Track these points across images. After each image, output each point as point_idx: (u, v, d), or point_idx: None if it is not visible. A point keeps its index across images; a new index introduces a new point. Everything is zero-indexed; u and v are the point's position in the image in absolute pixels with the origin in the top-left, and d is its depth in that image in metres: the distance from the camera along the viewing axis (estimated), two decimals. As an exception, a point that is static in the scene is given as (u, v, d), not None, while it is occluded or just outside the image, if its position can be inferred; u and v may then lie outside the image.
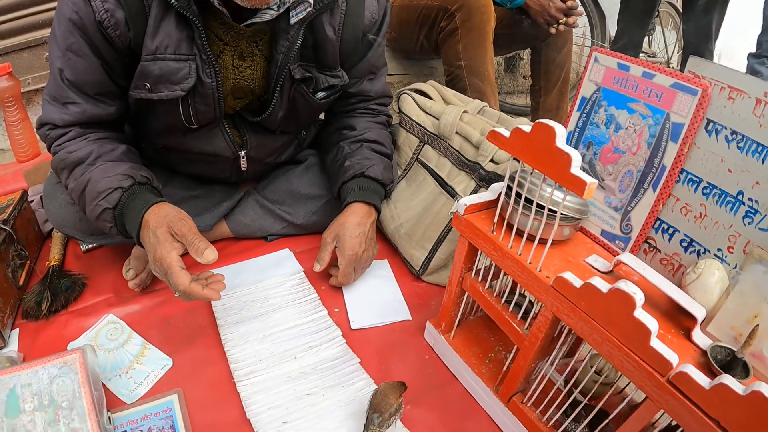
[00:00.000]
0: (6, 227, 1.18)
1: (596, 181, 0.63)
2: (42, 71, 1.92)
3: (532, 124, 0.68)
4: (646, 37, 3.24)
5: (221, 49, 1.02)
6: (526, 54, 2.87)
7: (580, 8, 1.94)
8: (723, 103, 0.68)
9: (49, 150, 1.05)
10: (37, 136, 1.61)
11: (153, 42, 0.94)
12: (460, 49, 1.71)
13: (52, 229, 1.39)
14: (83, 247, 1.33)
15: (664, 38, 3.45)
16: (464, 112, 1.23)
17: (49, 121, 1.02)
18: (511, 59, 2.95)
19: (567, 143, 0.81)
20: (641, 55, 2.90)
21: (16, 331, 1.11)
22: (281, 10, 0.97)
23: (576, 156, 0.63)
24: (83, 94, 0.99)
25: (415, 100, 1.34)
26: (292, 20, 0.99)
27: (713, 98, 0.69)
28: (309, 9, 0.99)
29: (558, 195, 0.73)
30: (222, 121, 1.11)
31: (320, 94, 1.13)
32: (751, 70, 1.98)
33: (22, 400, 0.86)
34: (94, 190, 0.98)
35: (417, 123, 1.32)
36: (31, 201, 1.40)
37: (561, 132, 0.65)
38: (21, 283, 1.20)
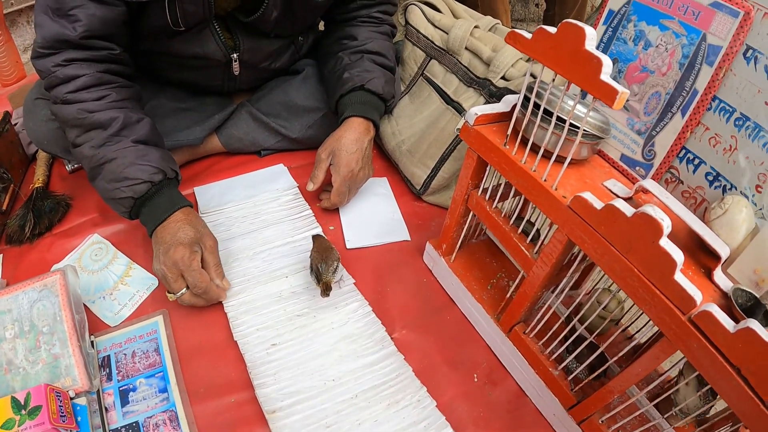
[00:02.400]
0: (-13, 150, 1.10)
1: (627, 90, 0.55)
2: (25, -9, 1.79)
3: (561, 23, 0.59)
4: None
5: None
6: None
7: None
8: (766, 29, 0.60)
9: (50, 88, 0.92)
10: (24, 60, 1.52)
11: None
12: None
13: (36, 151, 1.31)
14: (68, 167, 1.25)
15: None
16: (475, 27, 1.12)
17: (60, 37, 0.88)
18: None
19: None
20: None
21: (0, 257, 1.05)
22: None
23: (607, 61, 0.55)
24: None
25: (423, 12, 1.23)
26: None
27: (755, 23, 0.60)
28: None
29: (581, 109, 0.65)
30: (212, 23, 1.01)
31: None
32: None
33: (2, 327, 0.83)
34: (118, 173, 0.91)
35: (424, 36, 1.21)
36: (15, 123, 1.32)
37: (591, 34, 0.56)
38: (4, 207, 1.13)
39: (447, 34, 1.16)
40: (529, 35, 0.64)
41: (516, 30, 0.66)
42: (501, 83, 1.03)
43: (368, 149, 1.12)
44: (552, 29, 0.61)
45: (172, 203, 0.94)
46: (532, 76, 0.79)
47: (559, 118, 0.65)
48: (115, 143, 0.92)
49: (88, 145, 0.92)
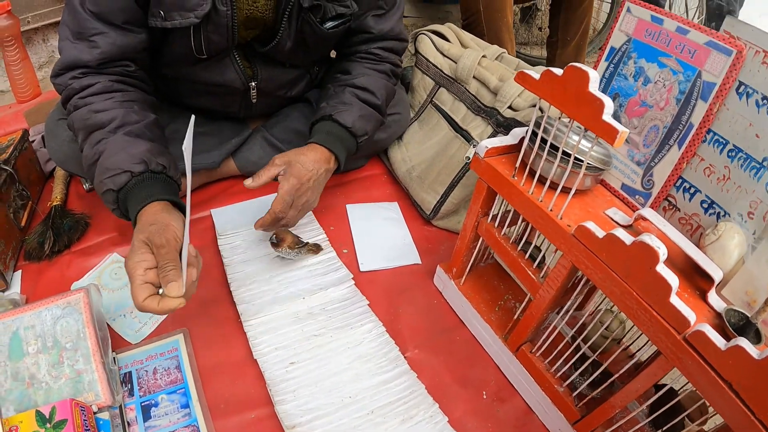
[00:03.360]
0: (7, 167, 1.17)
1: (627, 130, 0.63)
2: (42, 9, 1.87)
3: (566, 66, 0.67)
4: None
5: None
6: (543, 5, 2.81)
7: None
8: (757, 67, 0.67)
9: (65, 103, 0.98)
10: (39, 77, 1.58)
11: None
12: None
13: (54, 169, 1.38)
14: (86, 186, 1.32)
15: (686, 2, 3.39)
16: (483, 56, 1.21)
17: (77, 62, 0.94)
18: (528, 9, 2.90)
19: None
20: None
21: (19, 273, 1.11)
22: None
23: (609, 103, 0.63)
24: (110, 24, 0.94)
25: (432, 42, 1.31)
26: None
27: (747, 61, 0.68)
28: None
29: (585, 143, 0.73)
30: (233, 52, 1.09)
31: (328, 24, 1.08)
32: None
33: (25, 343, 0.87)
34: (103, 165, 0.91)
35: (433, 65, 1.30)
36: (32, 141, 1.39)
37: (594, 77, 0.64)
38: (23, 224, 1.20)
39: (455, 63, 1.24)
40: (537, 75, 0.72)
41: (525, 71, 0.74)
42: (508, 113, 1.11)
43: (322, 177, 1.10)
44: (558, 71, 0.69)
45: (145, 196, 0.88)
46: (540, 110, 0.87)
47: (564, 152, 0.73)
48: (107, 141, 0.92)
49: (87, 144, 0.94)
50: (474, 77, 1.20)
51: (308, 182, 1.06)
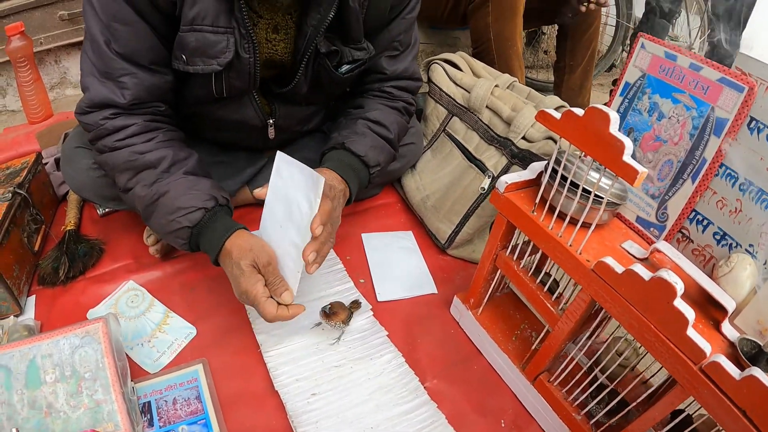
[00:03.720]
0: (21, 191, 1.21)
1: (647, 170, 0.68)
2: (55, 30, 1.93)
3: (586, 108, 0.73)
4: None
5: (256, 21, 1.03)
6: (547, 28, 2.90)
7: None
8: None
9: (96, 142, 1.02)
10: (51, 98, 1.63)
11: (191, 11, 0.94)
12: (490, 22, 1.74)
13: (67, 192, 1.43)
14: (100, 211, 1.37)
15: (688, 23, 3.48)
16: (495, 86, 1.27)
17: (106, 100, 0.98)
18: (533, 33, 2.99)
19: None
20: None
21: (33, 298, 1.16)
22: None
23: (629, 144, 0.69)
24: (138, 65, 0.98)
25: (445, 71, 1.38)
26: None
27: (758, 96, 0.74)
28: None
29: (606, 181, 0.78)
30: (252, 92, 1.13)
31: (344, 68, 1.13)
32: None
33: (42, 371, 0.90)
34: (172, 205, 0.99)
35: (446, 94, 1.37)
36: (45, 163, 1.44)
37: (615, 119, 0.70)
38: (36, 248, 1.24)
39: (468, 92, 1.31)
40: (558, 115, 0.78)
41: (545, 110, 0.79)
42: (522, 144, 1.17)
43: (340, 196, 1.10)
44: (579, 112, 0.74)
45: (226, 228, 0.99)
46: (553, 140, 0.93)
47: (584, 189, 0.79)
48: (166, 178, 1.01)
49: (140, 185, 1.01)
50: (487, 107, 1.27)
51: (335, 200, 1.07)
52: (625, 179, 0.69)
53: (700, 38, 3.46)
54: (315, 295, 1.17)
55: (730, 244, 0.80)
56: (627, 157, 0.69)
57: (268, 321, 0.94)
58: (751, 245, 0.77)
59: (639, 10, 2.73)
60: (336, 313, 1.04)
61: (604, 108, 0.71)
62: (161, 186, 1.00)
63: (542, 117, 0.81)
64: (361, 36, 1.11)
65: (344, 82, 1.18)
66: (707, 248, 0.84)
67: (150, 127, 1.03)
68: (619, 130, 0.89)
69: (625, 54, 2.87)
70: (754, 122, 0.75)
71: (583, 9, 1.88)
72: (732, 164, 0.78)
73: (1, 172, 1.30)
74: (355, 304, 1.13)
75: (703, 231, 0.84)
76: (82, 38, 1.95)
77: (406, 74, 1.26)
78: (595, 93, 2.66)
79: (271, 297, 0.95)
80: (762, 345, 0.68)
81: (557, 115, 0.78)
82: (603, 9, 2.00)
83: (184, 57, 0.99)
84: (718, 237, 0.82)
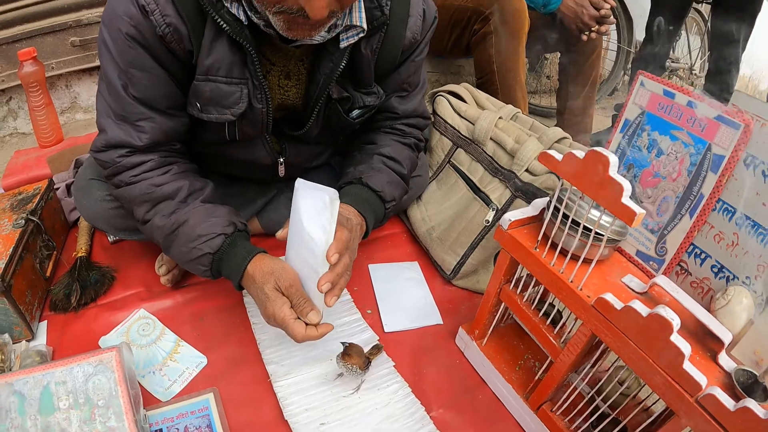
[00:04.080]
0: (34, 218, 1.26)
1: (644, 211, 0.73)
2: (66, 56, 2.01)
3: (587, 150, 0.78)
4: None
5: (268, 69, 1.08)
6: (550, 54, 2.98)
7: (612, 18, 2.03)
8: (764, 138, 0.78)
9: (112, 178, 1.07)
10: (61, 122, 1.68)
11: (206, 62, 0.99)
12: (493, 54, 1.80)
13: (77, 218, 1.49)
14: (110, 238, 1.43)
15: (689, 44, 3.56)
16: (499, 118, 1.33)
17: (124, 143, 1.03)
18: (536, 59, 3.08)
19: None
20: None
21: (44, 323, 1.20)
22: (333, 34, 1.01)
23: (627, 186, 0.73)
24: (155, 110, 1.02)
25: (450, 103, 1.44)
26: (342, 44, 1.03)
27: (754, 133, 0.78)
28: (362, 34, 1.03)
29: (606, 219, 0.82)
30: (264, 135, 1.18)
31: (355, 113, 1.18)
32: None
33: (56, 398, 0.94)
34: (192, 233, 1.04)
35: (451, 126, 1.42)
36: (57, 188, 1.50)
37: (614, 161, 0.75)
38: (48, 274, 1.29)
39: (473, 124, 1.36)
40: (560, 156, 0.83)
41: (547, 151, 0.84)
42: (526, 176, 1.22)
43: (357, 229, 1.12)
44: (580, 154, 0.79)
45: (246, 252, 1.04)
46: (556, 175, 0.97)
47: (585, 227, 0.83)
48: (184, 208, 1.05)
49: (159, 215, 1.05)
50: (491, 138, 1.32)
51: (352, 231, 1.09)
52: (624, 220, 0.73)
53: (701, 59, 3.54)
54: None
55: (728, 277, 0.84)
56: (626, 199, 0.73)
57: (297, 341, 0.97)
58: (747, 277, 0.82)
59: (640, 33, 2.80)
60: (350, 355, 1.05)
61: (604, 151, 0.75)
62: (180, 215, 1.05)
63: (544, 158, 0.86)
64: (372, 81, 1.16)
65: (353, 125, 1.22)
66: (705, 281, 0.88)
67: (165, 162, 1.08)
68: (620, 166, 0.95)
69: (627, 78, 2.93)
70: (750, 158, 0.80)
71: (585, 38, 1.95)
72: (729, 199, 0.83)
73: (13, 198, 1.35)
74: (376, 349, 1.14)
75: (701, 264, 0.88)
76: (92, 64, 2.05)
77: (416, 113, 1.32)
78: (597, 117, 2.71)
79: (299, 318, 0.98)
80: (758, 375, 0.72)
81: (559, 156, 0.83)
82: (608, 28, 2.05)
83: (198, 105, 1.04)
84: (715, 270, 0.86)
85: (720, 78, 2.53)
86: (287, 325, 0.97)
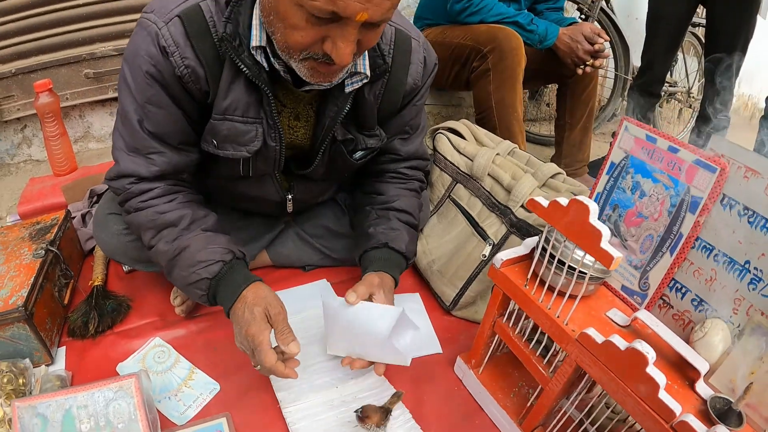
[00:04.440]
0: (53, 248, 1.36)
1: (621, 255, 0.81)
2: (80, 87, 2.12)
3: (570, 199, 0.87)
4: (669, 68, 3.46)
5: (280, 110, 1.17)
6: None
7: (608, 50, 2.13)
8: (739, 180, 0.85)
9: (123, 204, 1.16)
10: (75, 150, 1.76)
11: (223, 103, 1.07)
12: (491, 90, 1.91)
13: (92, 248, 1.58)
14: (125, 268, 1.52)
15: (686, 67, 3.65)
16: (496, 154, 1.42)
17: (133, 173, 1.11)
18: (535, 88, 3.18)
19: (596, 200, 1.02)
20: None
21: (63, 349, 1.29)
22: (338, 81, 1.08)
23: (606, 232, 0.82)
24: (167, 144, 1.11)
25: (449, 140, 1.54)
26: (347, 89, 1.11)
27: (730, 176, 0.86)
28: (365, 80, 1.12)
29: (589, 259, 0.91)
30: (275, 172, 1.27)
31: (358, 154, 1.27)
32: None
33: (78, 421, 1.02)
34: (192, 258, 1.11)
35: (451, 162, 1.52)
36: (72, 218, 1.59)
37: (594, 209, 0.84)
38: (66, 301, 1.38)
39: (471, 161, 1.45)
40: (546, 203, 0.92)
41: (534, 198, 0.93)
42: (521, 213, 1.31)
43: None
44: (564, 201, 0.88)
45: (244, 279, 1.11)
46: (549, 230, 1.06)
47: (570, 266, 0.92)
48: (186, 234, 1.12)
49: (162, 241, 1.13)
50: (488, 174, 1.41)
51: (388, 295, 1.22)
52: (602, 263, 0.82)
53: (699, 81, 3.63)
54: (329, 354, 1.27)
55: (707, 310, 0.91)
56: (604, 244, 0.82)
57: (265, 368, 1.03)
58: (725, 310, 0.89)
59: (637, 59, 2.88)
60: (369, 416, 1.10)
61: (585, 200, 0.84)
62: (182, 241, 1.12)
63: (532, 205, 0.95)
64: (375, 124, 1.25)
65: (358, 166, 1.31)
66: (686, 313, 0.95)
67: (171, 191, 1.16)
68: (606, 206, 1.04)
69: (625, 103, 3.02)
70: (726, 199, 0.87)
71: (580, 72, 2.05)
72: (707, 238, 0.91)
73: (31, 227, 1.45)
74: (396, 398, 1.16)
75: (681, 298, 0.95)
76: (105, 96, 2.15)
77: (417, 155, 1.41)
78: (596, 143, 2.79)
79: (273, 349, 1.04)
80: (732, 402, 0.79)
81: (545, 203, 0.92)
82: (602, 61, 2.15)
83: (215, 142, 1.12)
84: (695, 303, 0.94)
85: (715, 101, 2.59)
86: (262, 350, 1.02)
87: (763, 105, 2.21)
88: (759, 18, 2.58)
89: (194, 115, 1.12)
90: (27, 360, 1.20)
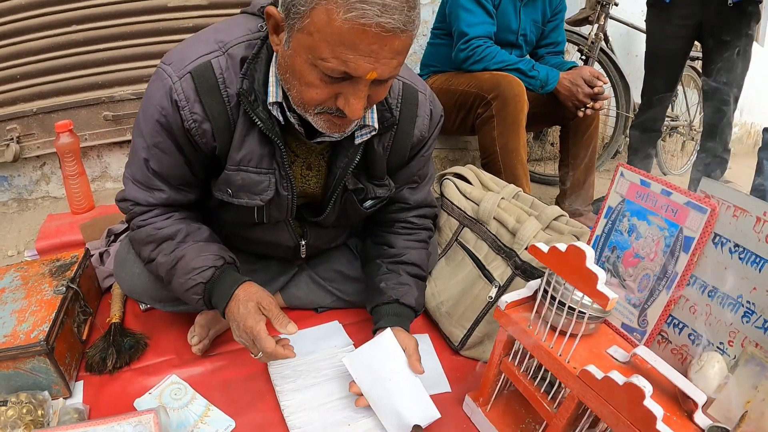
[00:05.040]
0: (73, 285, 1.43)
1: (617, 296, 0.88)
2: (99, 129, 2.22)
3: (567, 245, 0.94)
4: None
5: (293, 160, 1.25)
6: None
7: (607, 92, 2.22)
8: (728, 219, 0.92)
9: (128, 221, 1.28)
10: (92, 189, 1.84)
11: (237, 155, 1.15)
12: (495, 136, 2.00)
13: (110, 286, 1.64)
14: (142, 307, 1.59)
15: (686, 101, 3.73)
16: (501, 198, 1.50)
17: (134, 199, 1.23)
18: (540, 129, 3.27)
19: (594, 247, 1.09)
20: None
21: (80, 383, 1.34)
22: (348, 133, 1.15)
23: (602, 275, 0.89)
24: (167, 184, 1.21)
25: (456, 186, 1.62)
26: (357, 141, 1.18)
27: (720, 215, 0.93)
28: (373, 133, 1.18)
29: (588, 300, 0.97)
30: (288, 219, 1.35)
31: (368, 203, 1.34)
32: (766, 144, 2.26)
33: None
34: (187, 266, 1.21)
35: (457, 207, 1.59)
36: (91, 256, 1.66)
37: (591, 255, 0.91)
38: (84, 337, 1.44)
39: (477, 205, 1.53)
40: (546, 248, 0.99)
41: (535, 244, 1.01)
42: (525, 255, 1.37)
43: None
44: (563, 247, 0.96)
45: (234, 281, 1.21)
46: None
47: (570, 307, 0.98)
48: (182, 248, 1.23)
49: (161, 254, 1.24)
50: (494, 218, 1.48)
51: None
52: (599, 304, 0.89)
53: (700, 114, 3.71)
54: (341, 393, 1.33)
55: (704, 343, 0.97)
56: (600, 286, 0.89)
57: (266, 353, 1.13)
58: (721, 343, 0.95)
59: (637, 94, 2.97)
60: None
61: (582, 245, 0.92)
62: (178, 252, 1.22)
63: (534, 251, 1.03)
64: (384, 174, 1.32)
65: (368, 214, 1.38)
66: (684, 348, 1.01)
67: (169, 211, 1.26)
68: (605, 248, 1.10)
69: (628, 140, 3.10)
70: (717, 237, 0.94)
71: (581, 114, 2.14)
72: (701, 275, 0.97)
73: (51, 264, 1.52)
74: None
75: (679, 333, 1.01)
76: (122, 138, 2.25)
77: (425, 203, 1.49)
78: (601, 181, 2.85)
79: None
80: (729, 430, 0.84)
81: (545, 249, 1.00)
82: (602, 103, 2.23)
83: (230, 191, 1.21)
84: (692, 338, 0.99)
85: (714, 134, 2.70)
86: (261, 338, 1.12)
87: (764, 133, 2.28)
88: (758, 45, 2.65)
89: (197, 163, 1.20)
90: (46, 392, 1.25)
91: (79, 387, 1.33)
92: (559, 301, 1.00)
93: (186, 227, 1.26)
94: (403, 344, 1.27)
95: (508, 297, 1.11)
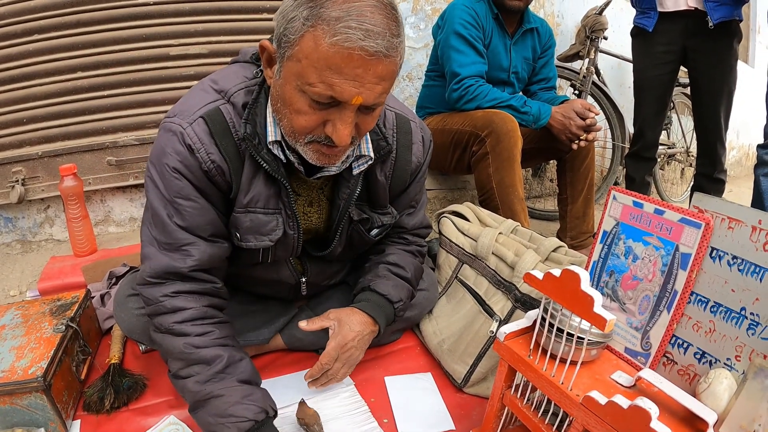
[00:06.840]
0: (73, 324, 1.40)
1: (614, 317, 0.84)
2: (103, 173, 2.21)
3: (562, 269, 0.91)
4: (664, 130, 3.55)
5: (295, 199, 1.22)
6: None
7: (599, 124, 2.21)
8: (724, 232, 0.89)
9: (154, 316, 1.14)
10: (95, 233, 1.82)
11: (245, 197, 1.14)
12: (491, 172, 1.98)
13: (110, 327, 1.61)
14: (141, 348, 1.55)
15: (681, 127, 3.74)
16: (499, 233, 1.47)
17: (169, 269, 1.11)
18: (537, 166, 3.27)
19: (591, 272, 1.06)
20: (660, 147, 3.21)
21: (78, 422, 1.30)
22: (346, 165, 1.17)
23: (598, 297, 0.86)
24: (198, 236, 1.12)
25: (454, 224, 1.60)
26: (355, 171, 1.19)
27: (715, 228, 0.90)
28: (370, 162, 1.19)
29: (585, 325, 0.94)
30: (290, 257, 1.33)
31: (374, 232, 1.35)
32: (761, 161, 2.24)
33: None
34: (224, 409, 1.07)
35: (456, 244, 1.58)
36: (92, 297, 1.63)
37: (585, 277, 0.88)
38: (83, 376, 1.41)
39: (476, 241, 1.51)
40: (541, 275, 0.96)
41: (529, 272, 0.98)
42: (525, 288, 1.34)
43: (366, 338, 1.34)
44: (557, 273, 0.93)
45: None
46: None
47: (569, 333, 0.94)
48: (220, 380, 1.09)
49: (192, 380, 1.09)
50: (492, 253, 1.46)
51: (353, 341, 1.30)
52: (597, 326, 0.86)
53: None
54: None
55: (710, 361, 0.93)
56: (597, 308, 0.86)
57: None
58: (728, 359, 0.90)
59: (631, 125, 2.97)
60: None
61: (576, 269, 0.89)
62: (215, 387, 1.09)
63: (528, 279, 1.00)
64: (387, 202, 1.33)
65: (374, 242, 1.39)
66: (690, 367, 0.96)
67: (207, 314, 1.14)
68: (602, 273, 1.07)
69: (625, 170, 3.09)
70: (714, 251, 0.91)
71: (575, 147, 2.13)
72: (701, 291, 0.94)
73: (52, 303, 1.50)
74: None
75: (684, 353, 0.97)
76: (126, 183, 2.24)
77: (420, 225, 1.50)
78: (600, 212, 2.81)
79: None
80: None
81: (540, 275, 0.97)
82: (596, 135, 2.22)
83: (237, 234, 1.18)
84: (698, 356, 0.95)
85: (707, 156, 2.69)
86: None
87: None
88: (748, 67, 2.64)
89: (221, 206, 1.16)
90: (42, 429, 1.22)
91: (76, 426, 1.29)
92: (558, 327, 0.96)
93: (227, 355, 1.12)
94: (342, 321, 1.30)
95: (507, 328, 1.07)
